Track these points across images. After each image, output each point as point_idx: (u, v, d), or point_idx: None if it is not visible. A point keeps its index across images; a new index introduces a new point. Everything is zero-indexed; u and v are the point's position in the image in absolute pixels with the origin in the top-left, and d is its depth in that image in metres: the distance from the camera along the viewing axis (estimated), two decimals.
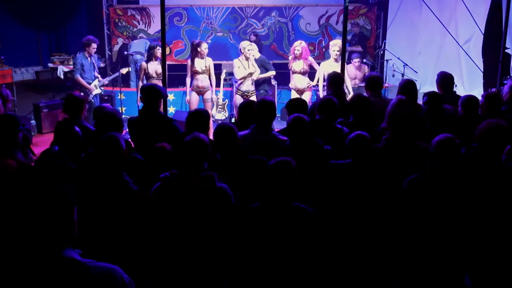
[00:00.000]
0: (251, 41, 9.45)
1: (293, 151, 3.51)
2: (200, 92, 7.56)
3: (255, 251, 2.77)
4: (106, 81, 8.37)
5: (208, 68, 7.48)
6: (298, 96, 7.26)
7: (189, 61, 7.55)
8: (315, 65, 7.64)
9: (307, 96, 7.47)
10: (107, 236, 2.97)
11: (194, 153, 2.88)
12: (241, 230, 2.83)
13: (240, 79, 7.49)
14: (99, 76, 8.08)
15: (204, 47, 7.43)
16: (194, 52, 7.45)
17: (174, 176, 2.89)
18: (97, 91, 7.88)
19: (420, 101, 4.97)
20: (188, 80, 7.57)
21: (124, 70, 8.40)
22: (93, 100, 7.67)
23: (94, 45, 7.76)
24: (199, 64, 7.44)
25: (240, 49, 7.60)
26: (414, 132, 3.65)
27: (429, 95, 4.57)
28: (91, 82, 7.78)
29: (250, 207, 2.84)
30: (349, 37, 9.79)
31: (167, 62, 7.44)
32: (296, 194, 2.81)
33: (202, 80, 7.49)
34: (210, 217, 2.83)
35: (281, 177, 2.72)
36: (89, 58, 7.76)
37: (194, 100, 7.56)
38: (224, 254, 2.86)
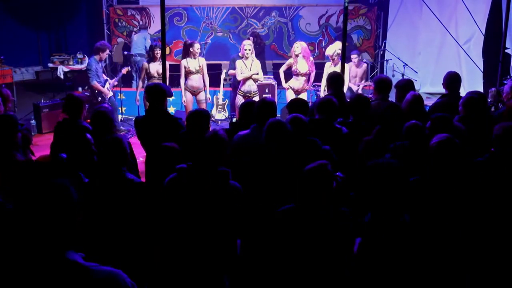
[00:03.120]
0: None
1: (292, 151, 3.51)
2: (194, 92, 7.54)
3: (287, 253, 2.75)
4: (115, 82, 8.44)
5: (201, 68, 7.47)
6: (294, 96, 7.25)
7: (182, 61, 7.55)
8: (313, 67, 7.63)
9: (304, 97, 7.46)
10: (111, 236, 2.97)
11: (212, 149, 2.93)
12: (274, 230, 2.81)
13: (242, 79, 7.50)
14: (108, 78, 8.20)
15: (196, 48, 7.44)
16: (187, 52, 7.47)
17: (190, 168, 2.94)
18: (110, 94, 8.03)
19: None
20: (182, 80, 7.55)
21: (124, 70, 8.44)
22: (108, 104, 7.77)
23: (108, 51, 7.97)
24: (193, 64, 7.43)
25: (242, 47, 7.63)
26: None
27: (433, 120, 3.86)
28: (103, 85, 7.91)
29: (284, 209, 2.81)
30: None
31: (167, 62, 7.44)
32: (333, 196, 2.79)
33: (196, 80, 7.48)
34: (220, 212, 2.87)
35: (318, 180, 2.69)
36: (100, 63, 7.90)
37: (188, 100, 7.55)
38: (230, 249, 2.87)
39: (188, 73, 7.46)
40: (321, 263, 2.68)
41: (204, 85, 7.58)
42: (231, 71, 7.98)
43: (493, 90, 5.95)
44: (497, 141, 3.30)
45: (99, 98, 7.82)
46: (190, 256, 2.88)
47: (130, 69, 8.46)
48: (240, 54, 7.87)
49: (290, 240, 2.72)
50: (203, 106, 7.57)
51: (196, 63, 7.45)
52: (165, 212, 2.97)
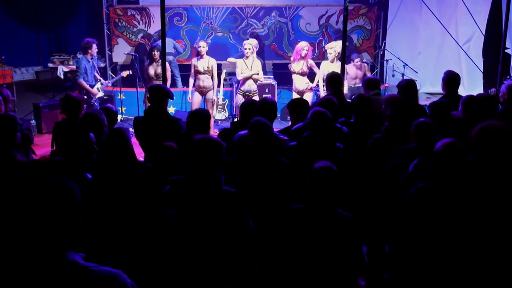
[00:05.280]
0: None
1: (314, 146, 3.54)
2: (202, 92, 7.60)
3: (292, 252, 2.73)
4: (109, 83, 8.40)
5: (210, 68, 7.50)
6: (298, 96, 7.25)
7: (192, 60, 7.61)
8: (315, 68, 7.63)
9: (308, 97, 7.45)
10: (110, 235, 2.95)
11: (203, 155, 2.81)
12: (280, 229, 2.78)
13: (242, 79, 7.52)
14: (101, 78, 8.11)
15: (201, 45, 7.47)
16: (196, 52, 7.54)
17: (183, 178, 2.84)
18: (100, 94, 7.92)
19: (421, 101, 4.96)
20: (191, 80, 7.60)
21: (124, 73, 8.41)
22: (96, 104, 7.69)
23: (95, 46, 7.83)
24: (201, 64, 7.47)
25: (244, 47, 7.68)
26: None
27: (432, 107, 4.21)
28: (93, 84, 7.81)
29: (292, 208, 2.79)
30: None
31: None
32: (339, 199, 2.78)
33: (203, 80, 7.53)
34: (218, 219, 2.76)
35: (323, 182, 2.69)
36: (90, 61, 7.81)
37: (196, 100, 7.60)
38: (232, 257, 2.80)
39: (196, 73, 7.50)
40: (327, 263, 2.68)
41: (213, 85, 7.62)
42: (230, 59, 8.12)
43: (492, 90, 5.95)
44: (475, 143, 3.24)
45: (85, 97, 7.71)
46: (190, 263, 2.82)
47: (130, 73, 8.43)
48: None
49: (297, 239, 2.71)
50: (211, 105, 7.62)
51: (205, 63, 7.48)
52: (165, 222, 2.90)
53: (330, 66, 7.35)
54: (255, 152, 3.39)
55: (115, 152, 3.07)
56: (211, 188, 2.77)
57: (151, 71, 7.68)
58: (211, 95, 7.64)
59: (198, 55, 7.53)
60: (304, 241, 2.70)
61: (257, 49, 7.92)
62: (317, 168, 2.76)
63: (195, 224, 2.74)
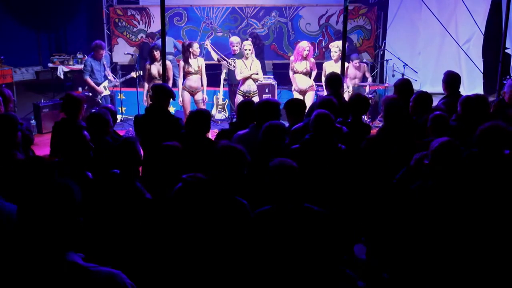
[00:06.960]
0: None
1: (317, 148, 3.54)
2: (192, 92, 7.56)
3: (267, 254, 2.71)
4: (117, 81, 8.44)
5: (200, 68, 7.49)
6: (300, 97, 7.24)
7: (181, 62, 7.56)
8: (314, 67, 7.63)
9: (310, 96, 7.48)
10: (114, 242, 2.94)
11: (226, 163, 2.79)
12: (254, 233, 2.76)
13: (242, 79, 7.52)
14: (111, 76, 8.18)
15: (196, 47, 7.46)
16: (187, 53, 7.46)
17: (196, 179, 2.80)
18: (106, 92, 8.02)
19: None
20: (180, 81, 7.57)
21: (134, 74, 8.43)
22: (101, 101, 7.80)
23: (102, 51, 8.01)
24: (193, 64, 7.45)
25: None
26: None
27: (414, 99, 4.45)
28: (100, 83, 7.92)
29: (262, 210, 2.77)
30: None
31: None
32: (305, 194, 2.76)
33: (194, 81, 7.50)
34: (224, 227, 2.74)
35: (284, 178, 2.67)
36: (99, 60, 7.92)
37: (187, 100, 7.56)
38: (233, 266, 2.78)
39: (187, 74, 7.47)
40: (302, 259, 2.67)
41: (202, 85, 7.60)
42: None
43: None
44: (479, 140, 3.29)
45: (90, 94, 7.87)
46: (190, 265, 2.80)
47: (141, 73, 8.45)
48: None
49: (270, 240, 2.69)
50: (202, 105, 7.58)
51: (195, 63, 7.46)
52: (171, 222, 2.87)
53: (333, 66, 7.38)
54: (265, 156, 3.34)
55: (124, 163, 3.05)
56: (225, 196, 2.76)
57: (154, 70, 7.68)
58: (200, 95, 7.60)
59: (189, 56, 7.46)
60: (277, 240, 2.68)
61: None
62: (275, 165, 2.73)
63: (200, 228, 2.72)
